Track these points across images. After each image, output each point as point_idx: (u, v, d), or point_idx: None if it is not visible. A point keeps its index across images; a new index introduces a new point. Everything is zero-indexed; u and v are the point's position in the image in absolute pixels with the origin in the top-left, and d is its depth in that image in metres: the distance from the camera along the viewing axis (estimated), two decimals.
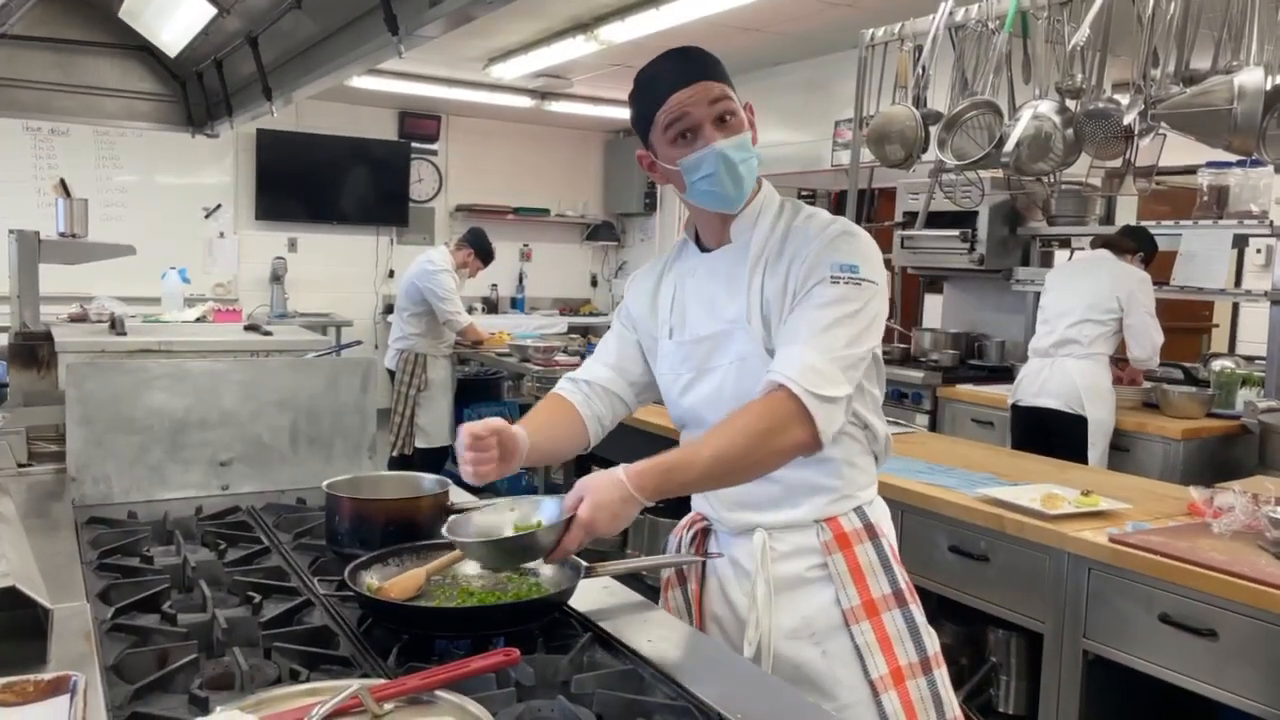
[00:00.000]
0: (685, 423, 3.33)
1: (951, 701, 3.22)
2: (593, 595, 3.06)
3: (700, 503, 3.38)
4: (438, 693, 2.12)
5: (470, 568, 3.07)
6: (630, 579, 3.33)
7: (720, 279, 3.17)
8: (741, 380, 3.08)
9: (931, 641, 3.21)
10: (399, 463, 10.39)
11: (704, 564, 3.35)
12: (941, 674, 3.20)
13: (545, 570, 3.06)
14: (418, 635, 2.68)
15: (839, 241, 3.00)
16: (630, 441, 6.33)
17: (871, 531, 3.20)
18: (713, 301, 3.17)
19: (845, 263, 2.96)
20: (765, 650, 3.16)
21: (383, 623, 2.76)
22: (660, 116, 3.05)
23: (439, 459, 10.62)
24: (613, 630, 2.82)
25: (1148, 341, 7.93)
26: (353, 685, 2.05)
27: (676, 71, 3.05)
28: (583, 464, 8.73)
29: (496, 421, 3.04)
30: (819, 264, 2.96)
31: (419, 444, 10.60)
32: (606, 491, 2.86)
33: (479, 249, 10.86)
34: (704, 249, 3.27)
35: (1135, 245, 8.17)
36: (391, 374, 10.64)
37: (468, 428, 2.99)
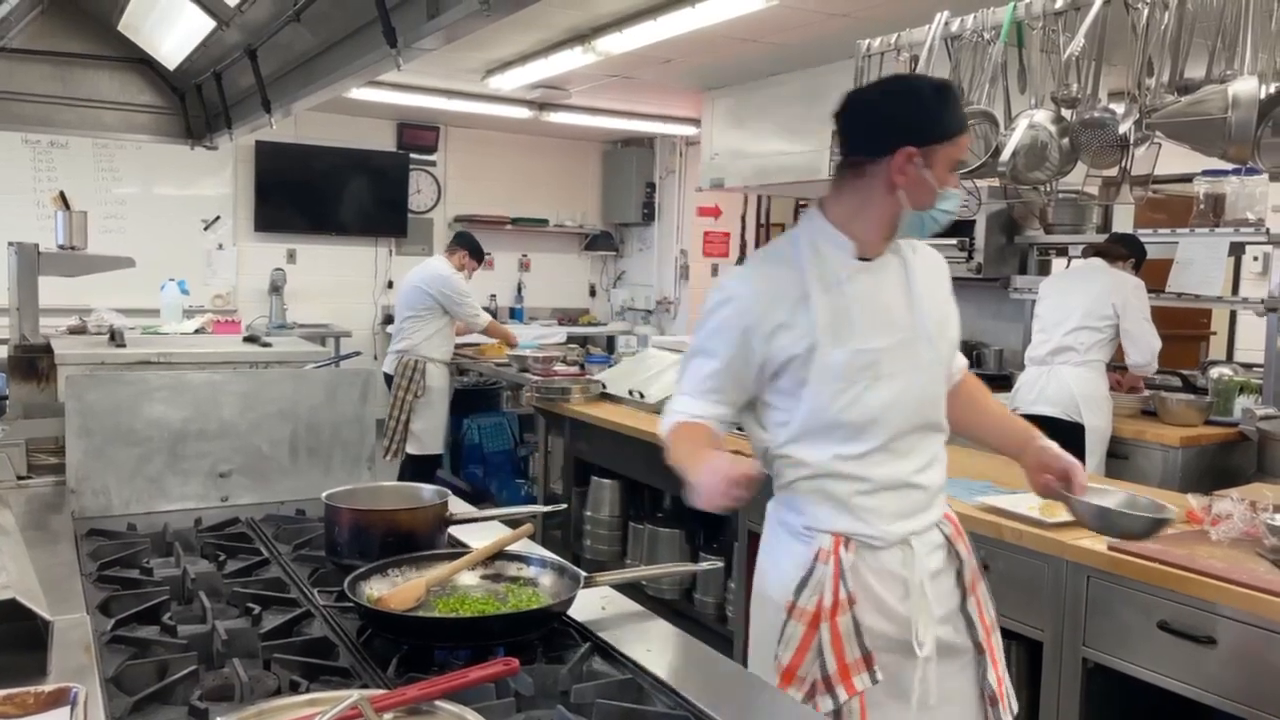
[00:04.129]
0: (832, 432, 3.35)
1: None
2: (592, 605, 3.07)
3: (851, 523, 3.38)
4: (437, 703, 2.13)
5: (470, 578, 3.09)
6: (630, 589, 3.34)
7: (891, 289, 3.41)
8: (927, 386, 3.41)
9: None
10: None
11: (847, 583, 3.36)
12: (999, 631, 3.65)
13: (544, 580, 3.08)
14: (417, 645, 2.69)
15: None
16: (625, 449, 6.35)
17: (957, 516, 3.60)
18: (889, 310, 3.38)
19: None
20: (931, 644, 3.41)
21: (382, 633, 2.77)
22: (960, 143, 3.35)
23: (430, 467, 10.60)
24: (612, 640, 2.83)
25: (1146, 347, 7.93)
26: (352, 696, 2.05)
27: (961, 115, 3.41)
28: (581, 475, 8.77)
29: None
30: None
31: (411, 450, 10.54)
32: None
33: (470, 248, 10.90)
34: (861, 258, 3.41)
35: (1126, 252, 8.18)
36: (389, 379, 10.59)
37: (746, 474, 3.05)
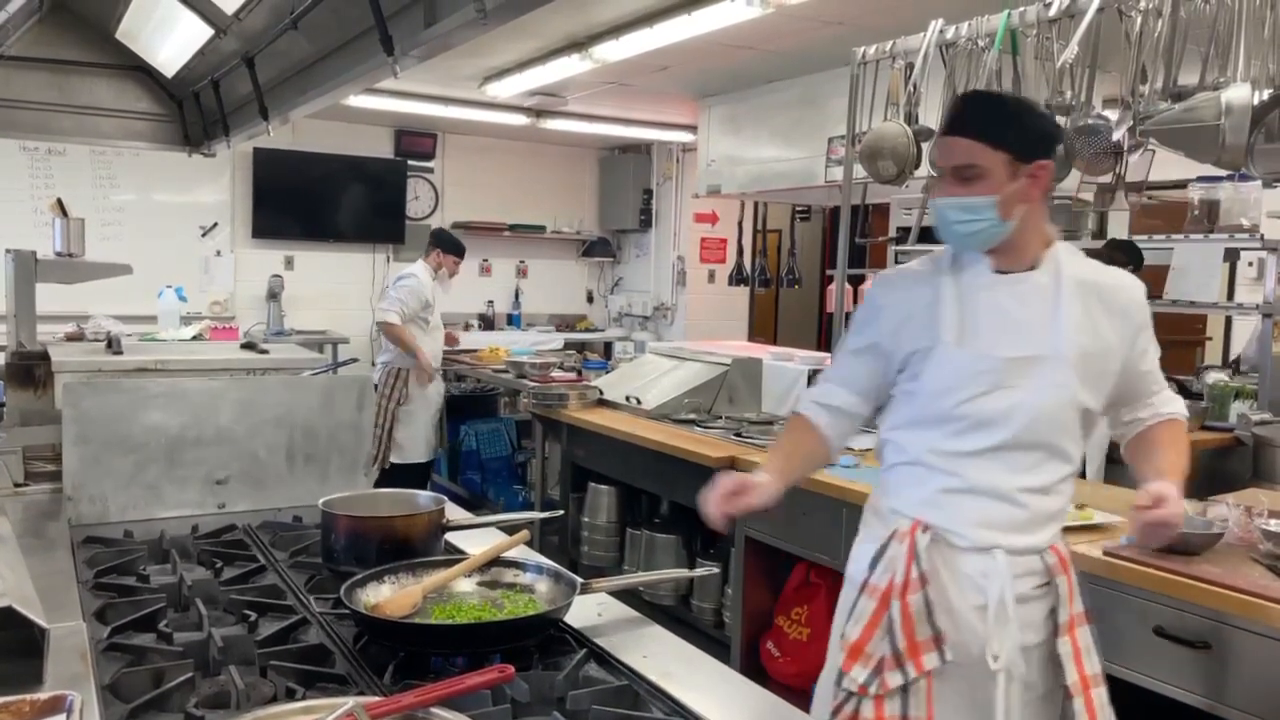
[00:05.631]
0: (941, 424, 3.46)
1: (1112, 714, 3.54)
2: (588, 611, 3.07)
3: (935, 513, 3.45)
4: (433, 710, 2.14)
5: (466, 585, 3.10)
6: (626, 595, 3.35)
7: (1028, 304, 3.39)
8: (1049, 402, 3.36)
9: (1100, 657, 3.54)
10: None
11: (921, 563, 3.41)
12: (1105, 685, 3.52)
13: (540, 587, 3.09)
14: (413, 652, 2.69)
15: (1144, 298, 3.53)
16: (622, 455, 6.36)
17: (1070, 560, 3.52)
18: (1021, 324, 3.38)
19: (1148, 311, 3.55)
20: (1013, 661, 3.37)
21: (379, 640, 2.78)
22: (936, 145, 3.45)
23: (415, 475, 10.52)
24: (608, 646, 2.84)
25: None
26: (348, 703, 2.06)
27: (956, 119, 3.40)
28: (579, 481, 8.77)
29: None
30: (1146, 322, 3.56)
31: (394, 459, 10.48)
32: (1178, 498, 3.50)
33: (445, 245, 10.78)
34: (998, 270, 3.44)
35: (1126, 259, 8.16)
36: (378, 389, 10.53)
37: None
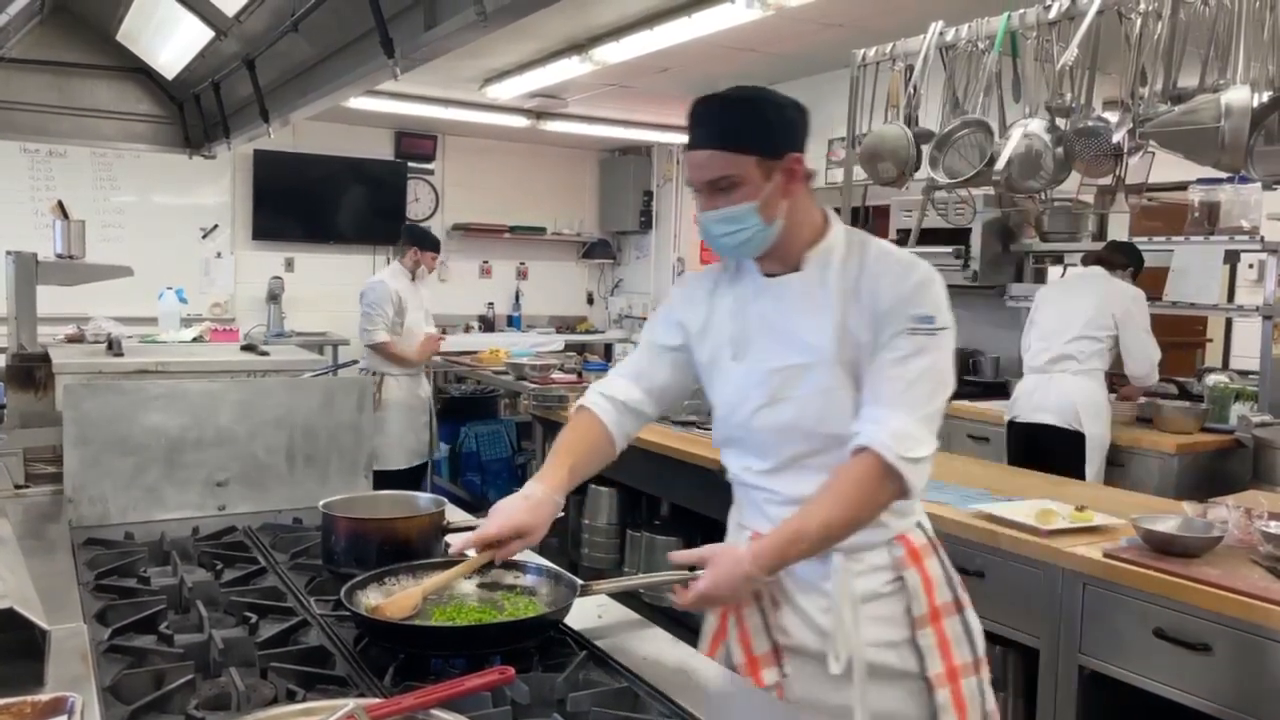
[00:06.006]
0: (740, 443, 3.39)
1: (991, 697, 3.39)
2: (588, 613, 3.08)
3: (763, 524, 3.35)
4: (433, 712, 2.14)
5: (466, 587, 3.10)
6: (626, 597, 3.34)
7: (795, 309, 3.23)
8: (825, 412, 3.18)
9: (982, 643, 3.40)
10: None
11: (776, 590, 3.36)
12: (986, 673, 3.38)
13: (541, 589, 3.09)
14: (414, 654, 2.69)
15: (917, 292, 3.10)
16: (622, 457, 6.33)
17: (934, 546, 3.40)
18: (787, 331, 3.23)
19: (922, 313, 3.08)
20: (857, 666, 3.24)
21: (379, 642, 2.78)
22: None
23: (399, 483, 10.39)
24: (608, 648, 2.84)
25: (1145, 359, 7.93)
26: (349, 704, 2.06)
27: (696, 131, 3.18)
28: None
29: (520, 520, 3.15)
30: (896, 314, 3.09)
31: (375, 467, 10.28)
32: (729, 569, 3.09)
33: (419, 241, 10.43)
34: (766, 274, 3.30)
35: (1126, 260, 8.18)
36: None
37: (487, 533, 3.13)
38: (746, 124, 3.13)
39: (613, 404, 3.55)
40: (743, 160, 3.08)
